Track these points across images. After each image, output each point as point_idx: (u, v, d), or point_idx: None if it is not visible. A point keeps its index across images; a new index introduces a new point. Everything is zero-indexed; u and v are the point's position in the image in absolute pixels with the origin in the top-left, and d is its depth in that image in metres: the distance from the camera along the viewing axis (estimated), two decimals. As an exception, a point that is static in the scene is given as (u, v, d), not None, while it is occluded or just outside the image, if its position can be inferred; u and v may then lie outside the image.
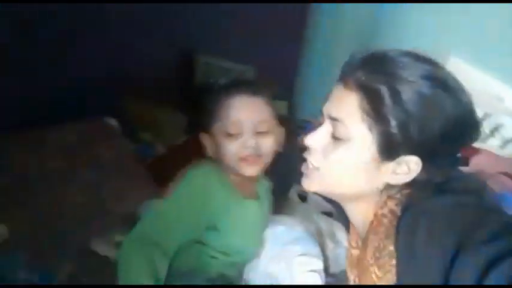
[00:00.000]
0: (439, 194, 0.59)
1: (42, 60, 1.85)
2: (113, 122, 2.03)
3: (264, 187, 1.13)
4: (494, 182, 1.35)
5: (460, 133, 0.61)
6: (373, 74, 0.60)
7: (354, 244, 0.77)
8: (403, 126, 0.58)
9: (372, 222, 0.66)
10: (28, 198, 1.39)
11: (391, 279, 0.60)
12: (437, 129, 0.58)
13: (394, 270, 0.60)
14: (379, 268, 0.62)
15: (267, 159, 1.01)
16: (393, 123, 0.58)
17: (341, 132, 0.63)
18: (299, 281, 0.91)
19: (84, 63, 2.01)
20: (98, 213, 1.41)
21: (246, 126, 0.96)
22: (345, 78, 0.64)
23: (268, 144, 0.99)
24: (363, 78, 0.61)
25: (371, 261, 0.64)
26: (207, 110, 1.02)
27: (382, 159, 0.61)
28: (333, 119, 0.64)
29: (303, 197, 1.33)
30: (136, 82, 2.14)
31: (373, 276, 0.63)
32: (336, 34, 2.30)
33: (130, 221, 1.29)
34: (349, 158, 0.62)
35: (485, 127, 1.50)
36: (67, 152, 1.72)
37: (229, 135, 0.96)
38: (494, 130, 1.58)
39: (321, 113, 0.70)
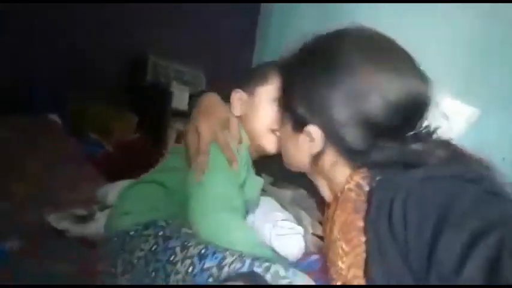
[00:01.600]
0: (408, 168, 0.58)
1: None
2: (57, 119, 1.89)
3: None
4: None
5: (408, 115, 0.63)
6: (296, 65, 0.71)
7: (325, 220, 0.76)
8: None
9: (337, 197, 0.66)
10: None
11: (359, 254, 0.59)
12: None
13: (364, 246, 0.59)
14: (346, 243, 0.61)
15: None
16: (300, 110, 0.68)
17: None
18: (283, 242, 0.88)
19: (34, 62, 1.91)
20: (49, 201, 1.29)
21: None
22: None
23: None
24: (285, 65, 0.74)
25: (338, 236, 0.63)
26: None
27: (295, 132, 0.70)
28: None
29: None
30: (86, 83, 2.06)
31: (340, 251, 0.62)
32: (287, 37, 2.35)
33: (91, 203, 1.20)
34: (282, 133, 0.76)
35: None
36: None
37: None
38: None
39: None
